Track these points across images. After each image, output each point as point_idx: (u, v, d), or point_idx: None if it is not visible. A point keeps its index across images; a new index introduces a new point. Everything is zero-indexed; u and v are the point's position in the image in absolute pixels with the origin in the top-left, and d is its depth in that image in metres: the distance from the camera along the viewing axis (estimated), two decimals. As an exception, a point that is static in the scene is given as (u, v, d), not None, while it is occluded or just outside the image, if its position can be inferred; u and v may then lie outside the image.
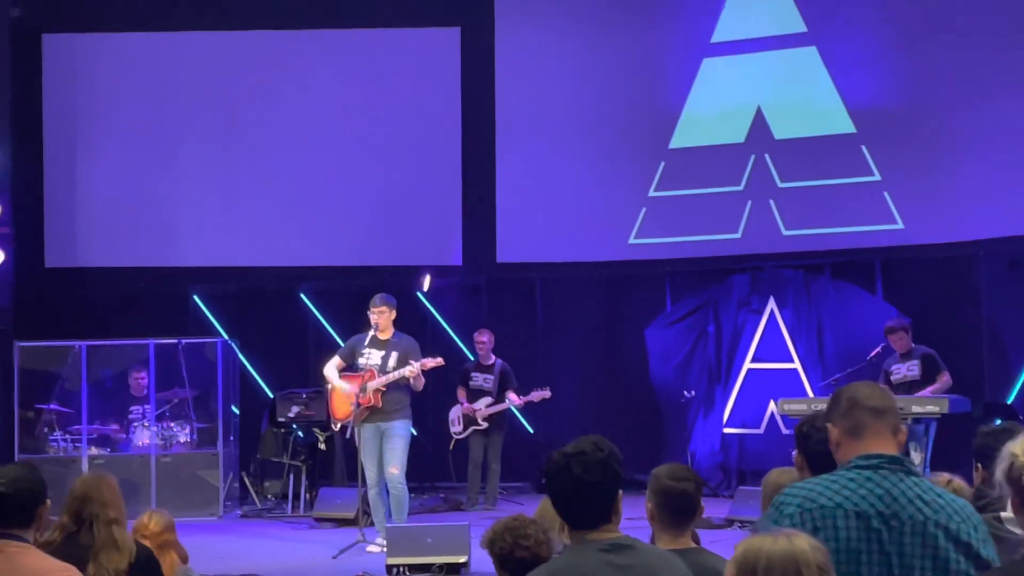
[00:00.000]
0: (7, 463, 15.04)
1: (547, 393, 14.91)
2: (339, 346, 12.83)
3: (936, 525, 3.80)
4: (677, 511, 4.97)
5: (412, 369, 11.58)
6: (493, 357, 15.32)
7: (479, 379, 15.24)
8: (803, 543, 3.30)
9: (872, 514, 3.81)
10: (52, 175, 17.16)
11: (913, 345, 13.37)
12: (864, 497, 3.82)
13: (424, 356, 11.86)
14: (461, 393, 15.25)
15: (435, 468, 16.01)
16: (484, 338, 15.32)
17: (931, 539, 3.80)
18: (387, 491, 11.73)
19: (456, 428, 15.20)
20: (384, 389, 11.66)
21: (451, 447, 15.36)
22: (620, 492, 4.08)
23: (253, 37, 17.26)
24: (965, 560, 3.80)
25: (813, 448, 4.93)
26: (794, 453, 5.09)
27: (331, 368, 12.10)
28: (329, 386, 12.33)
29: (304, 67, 17.19)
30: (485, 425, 15.06)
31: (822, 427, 4.95)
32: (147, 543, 6.53)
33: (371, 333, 11.86)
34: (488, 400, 15.10)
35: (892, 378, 13.20)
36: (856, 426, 3.98)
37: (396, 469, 11.63)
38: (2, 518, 4.96)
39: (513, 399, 15.07)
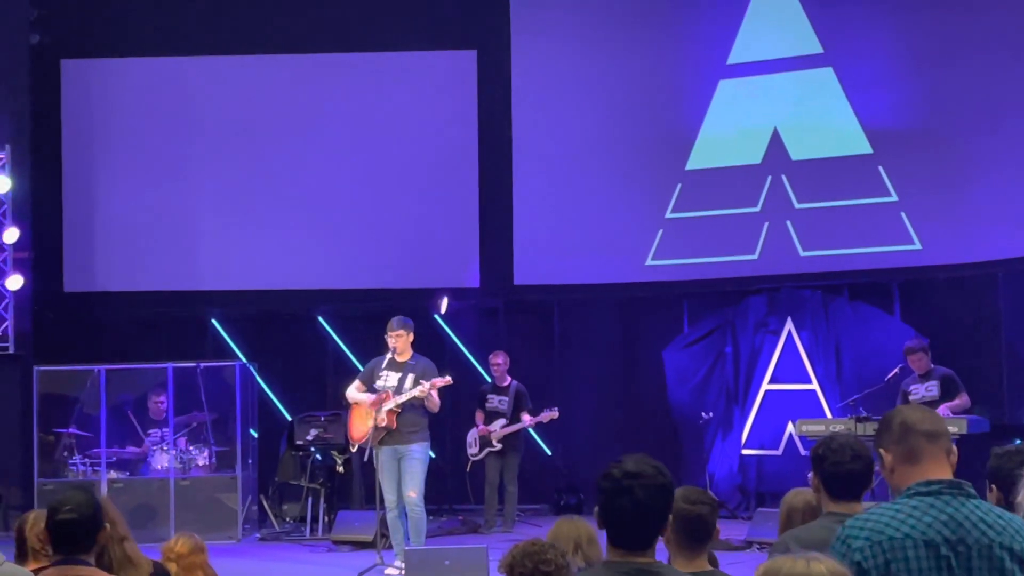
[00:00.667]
0: (27, 487, 15.04)
1: (555, 413, 14.91)
2: (357, 369, 12.84)
3: (1001, 547, 3.80)
4: (692, 534, 4.97)
5: (422, 389, 11.55)
6: (508, 379, 15.32)
7: (495, 401, 15.24)
8: (821, 568, 3.29)
9: (940, 541, 3.79)
10: (71, 200, 17.24)
11: (932, 366, 13.31)
12: (930, 525, 3.80)
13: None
14: (478, 416, 15.25)
15: (453, 490, 16.01)
16: (499, 360, 15.33)
17: (997, 562, 3.79)
18: (405, 514, 11.72)
19: (473, 450, 15.19)
20: (399, 410, 11.64)
21: (468, 469, 15.35)
22: (671, 518, 4.09)
23: (270, 61, 17.33)
24: None
25: (828, 470, 4.94)
26: (810, 475, 5.09)
27: (352, 390, 12.07)
28: (349, 410, 12.31)
29: (321, 91, 17.25)
30: (500, 447, 15.05)
31: (837, 448, 4.97)
32: (173, 566, 6.55)
33: (388, 356, 11.86)
34: (503, 422, 15.09)
35: (910, 398, 13.14)
36: (912, 451, 3.95)
37: (414, 493, 11.60)
38: (72, 543, 5.13)
39: (526, 420, 15.07)
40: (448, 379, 11.88)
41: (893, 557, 3.78)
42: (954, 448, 4.03)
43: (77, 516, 5.11)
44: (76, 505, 5.13)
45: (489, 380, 15.63)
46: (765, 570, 3.33)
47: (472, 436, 15.21)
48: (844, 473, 4.95)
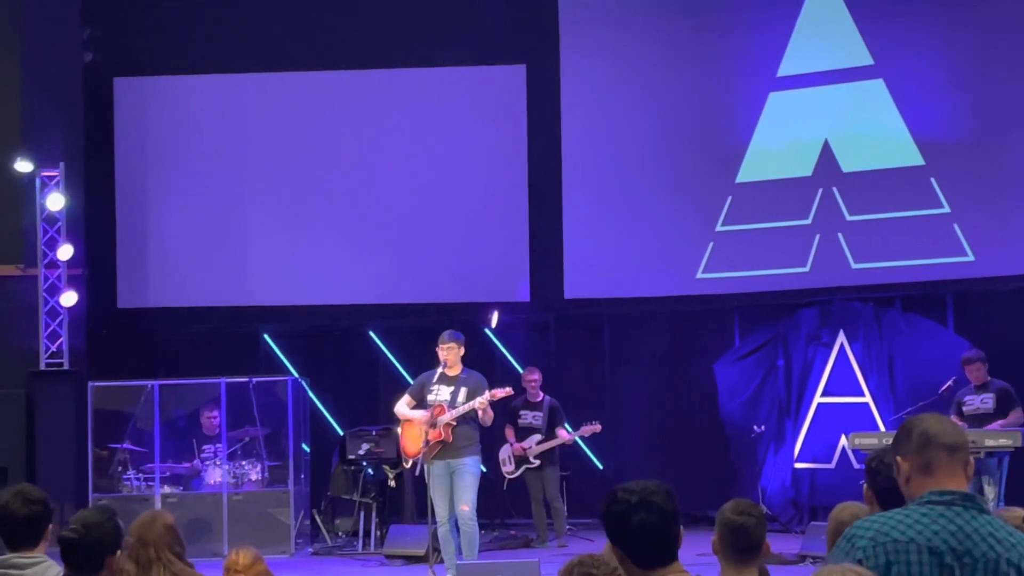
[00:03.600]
0: (81, 502, 15.13)
1: (597, 427, 14.86)
2: (408, 383, 12.81)
3: (1008, 563, 3.77)
4: (737, 545, 4.96)
5: (482, 400, 11.50)
6: (541, 394, 15.27)
7: (528, 417, 15.15)
8: None
9: (945, 550, 3.77)
10: (124, 217, 17.36)
11: (989, 378, 13.21)
12: (937, 533, 3.79)
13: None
14: (509, 432, 15.13)
15: (505, 505, 15.97)
16: (535, 376, 15.27)
17: None
18: (457, 528, 11.70)
19: (508, 468, 15.09)
20: (454, 423, 11.63)
21: (504, 487, 15.30)
22: (680, 528, 4.11)
23: (320, 77, 17.41)
24: None
25: (882, 483, 4.92)
26: (863, 484, 5.07)
27: (402, 405, 12.00)
28: (399, 427, 12.29)
29: (371, 106, 17.31)
30: (537, 463, 14.98)
31: (891, 462, 4.94)
32: None
33: (440, 370, 11.82)
34: (538, 438, 15.02)
35: (964, 409, 13.06)
36: (929, 463, 3.93)
37: (467, 507, 11.56)
38: (72, 565, 4.95)
39: (564, 436, 15.01)
40: (509, 390, 11.90)
41: (896, 559, 3.76)
42: (971, 461, 4.00)
43: (78, 536, 4.92)
44: (84, 525, 4.94)
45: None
46: None
47: (506, 453, 15.11)
48: (898, 487, 4.93)
